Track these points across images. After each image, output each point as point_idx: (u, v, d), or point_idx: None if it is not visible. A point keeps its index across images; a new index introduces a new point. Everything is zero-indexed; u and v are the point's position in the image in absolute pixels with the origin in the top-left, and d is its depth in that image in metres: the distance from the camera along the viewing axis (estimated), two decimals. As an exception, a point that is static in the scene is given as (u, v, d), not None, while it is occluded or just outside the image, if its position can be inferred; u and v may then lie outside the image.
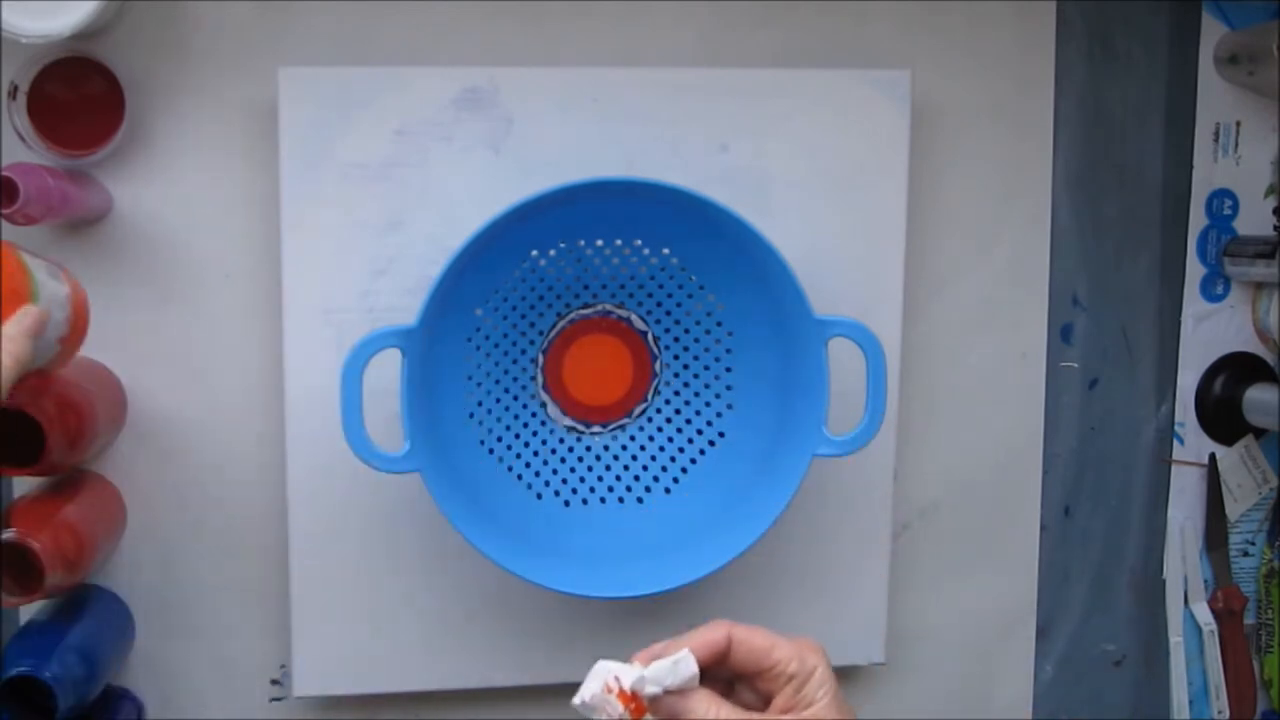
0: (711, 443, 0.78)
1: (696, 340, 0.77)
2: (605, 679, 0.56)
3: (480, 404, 0.75)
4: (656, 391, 0.78)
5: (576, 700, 0.56)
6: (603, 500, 0.78)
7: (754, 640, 0.58)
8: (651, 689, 0.56)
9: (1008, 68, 0.85)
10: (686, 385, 0.78)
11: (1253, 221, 0.91)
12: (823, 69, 0.81)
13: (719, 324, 0.77)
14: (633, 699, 0.56)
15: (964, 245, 0.86)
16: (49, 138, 0.72)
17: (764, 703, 0.59)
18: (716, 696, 0.58)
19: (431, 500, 0.68)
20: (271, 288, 0.76)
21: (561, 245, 0.74)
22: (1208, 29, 0.89)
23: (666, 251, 0.75)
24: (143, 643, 0.78)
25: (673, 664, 0.57)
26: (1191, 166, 0.90)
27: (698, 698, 0.57)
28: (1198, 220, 0.90)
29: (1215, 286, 0.91)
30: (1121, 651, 0.93)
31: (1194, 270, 0.91)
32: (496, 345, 0.75)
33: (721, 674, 0.59)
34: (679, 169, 0.76)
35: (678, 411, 0.78)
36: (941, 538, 0.88)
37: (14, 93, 0.71)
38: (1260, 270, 0.88)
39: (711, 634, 0.58)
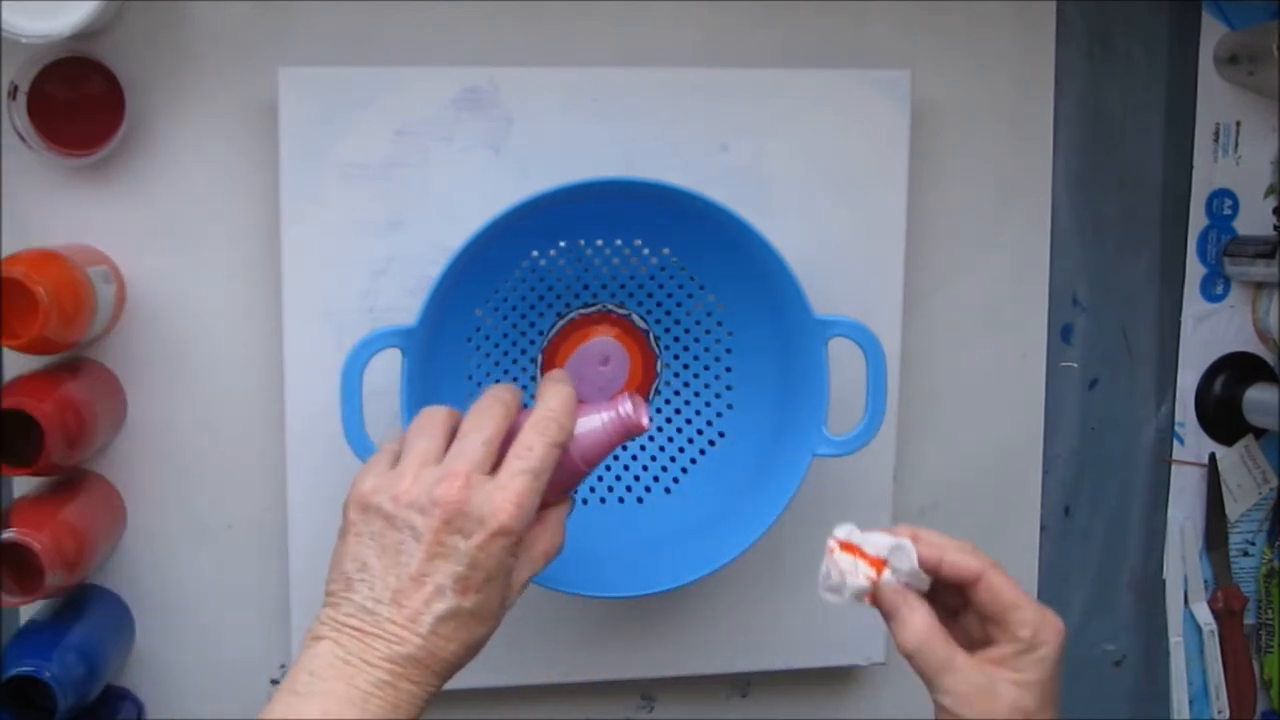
0: (711, 442, 0.78)
1: (696, 340, 0.77)
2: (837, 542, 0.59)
3: (480, 404, 0.75)
4: (657, 391, 0.78)
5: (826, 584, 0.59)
6: (603, 500, 0.77)
7: (1004, 592, 0.58)
8: (873, 551, 0.58)
9: (1008, 68, 0.85)
10: (686, 385, 0.78)
11: (1253, 221, 0.91)
12: (823, 69, 0.81)
13: (719, 324, 0.77)
14: (873, 562, 0.58)
15: (964, 245, 0.86)
16: (49, 138, 0.72)
17: (983, 636, 0.59)
18: (933, 619, 0.58)
19: (431, 500, 0.68)
20: (271, 287, 0.76)
21: (561, 245, 0.74)
22: (1208, 29, 0.89)
23: (666, 251, 0.75)
24: (143, 643, 0.78)
25: (893, 546, 0.58)
26: (1191, 166, 0.90)
27: (918, 614, 0.58)
28: (1198, 220, 0.90)
29: (1215, 286, 0.91)
30: (1121, 651, 0.93)
31: (1194, 270, 0.91)
32: (496, 345, 0.75)
33: (957, 600, 0.60)
34: (679, 169, 0.76)
35: (678, 411, 0.78)
36: (941, 538, 0.88)
37: (14, 93, 0.71)
38: (1260, 270, 0.88)
39: (969, 562, 0.58)
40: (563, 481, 0.62)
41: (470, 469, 0.56)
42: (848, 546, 0.59)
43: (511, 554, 0.56)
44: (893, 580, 0.58)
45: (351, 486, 0.58)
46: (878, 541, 0.58)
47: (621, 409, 0.63)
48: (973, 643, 0.58)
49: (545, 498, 0.60)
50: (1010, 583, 0.58)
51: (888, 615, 0.59)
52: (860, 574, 0.58)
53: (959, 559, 0.58)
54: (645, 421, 0.63)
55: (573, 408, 0.61)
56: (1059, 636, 0.58)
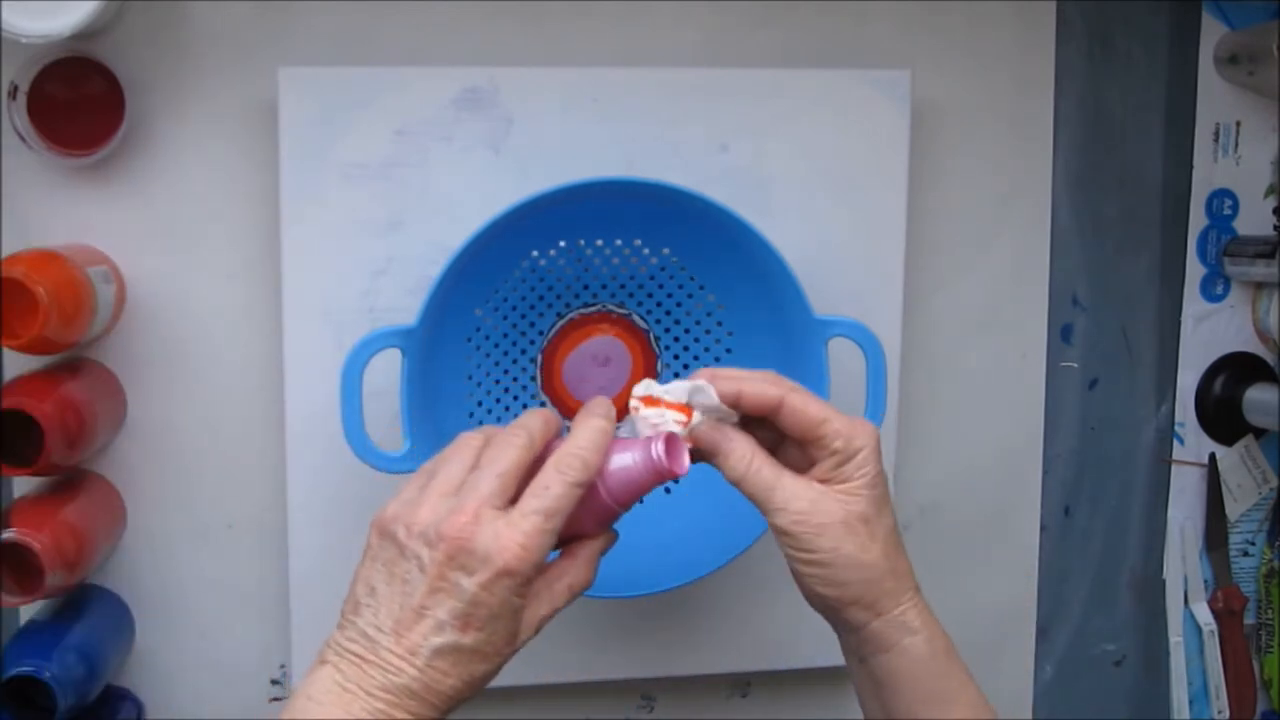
0: (711, 443, 0.78)
1: (696, 340, 0.77)
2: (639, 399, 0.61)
3: (480, 404, 0.75)
4: (656, 391, 0.78)
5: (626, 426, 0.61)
6: (603, 500, 0.77)
7: (807, 410, 0.59)
8: (674, 399, 0.60)
9: (1008, 68, 0.85)
10: (686, 385, 0.78)
11: (1253, 221, 0.91)
12: (823, 69, 0.81)
13: (719, 324, 0.77)
14: (679, 409, 0.60)
15: (964, 245, 0.86)
16: (49, 138, 0.72)
17: (806, 462, 0.60)
18: (755, 444, 0.60)
19: (431, 500, 0.68)
20: (271, 288, 0.76)
21: (561, 245, 0.74)
22: (1208, 29, 0.89)
23: (666, 251, 0.75)
24: (143, 643, 0.78)
25: (692, 389, 0.60)
26: (1191, 166, 0.90)
27: (738, 443, 0.60)
28: (1198, 220, 0.90)
29: (1215, 286, 0.91)
30: (1121, 651, 0.93)
31: (1194, 270, 0.91)
32: (496, 345, 0.75)
33: (772, 437, 0.61)
34: (679, 169, 0.76)
35: (678, 411, 0.78)
36: (941, 538, 0.88)
37: (14, 93, 0.71)
38: (1260, 270, 0.88)
39: (767, 390, 0.60)
40: (595, 517, 0.59)
41: (480, 504, 0.54)
42: (650, 401, 0.60)
43: (518, 594, 0.54)
44: (703, 421, 0.60)
45: (381, 507, 0.57)
46: (677, 389, 0.60)
47: (654, 450, 0.58)
48: (797, 472, 0.60)
49: (579, 531, 0.59)
50: (813, 400, 0.60)
51: (710, 453, 0.60)
52: (670, 421, 0.59)
53: (758, 388, 0.60)
54: (681, 468, 0.58)
55: (603, 444, 0.58)
56: (872, 438, 0.60)
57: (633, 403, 0.60)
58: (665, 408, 0.60)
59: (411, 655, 0.53)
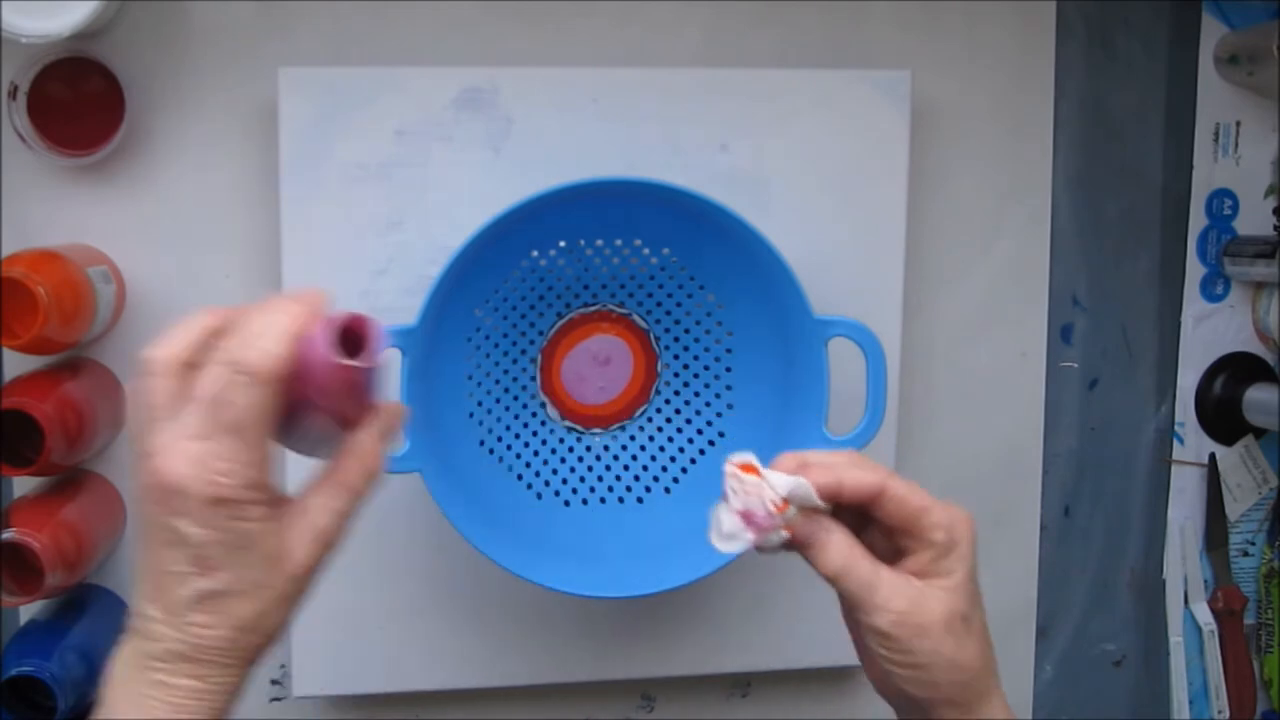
0: (711, 443, 0.78)
1: (696, 340, 0.77)
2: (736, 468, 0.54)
3: (480, 404, 0.75)
4: (657, 391, 0.78)
5: (727, 522, 0.55)
6: (603, 500, 0.77)
7: (910, 501, 0.54)
8: (770, 485, 0.54)
9: (1008, 68, 0.85)
10: (686, 385, 0.78)
11: (1253, 221, 0.91)
12: (823, 69, 0.81)
13: (719, 324, 0.77)
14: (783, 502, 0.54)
15: (964, 245, 0.86)
16: (49, 138, 0.72)
17: (893, 551, 0.56)
18: (853, 538, 0.54)
19: (431, 500, 0.68)
20: (271, 287, 0.76)
21: (561, 245, 0.74)
22: (1208, 29, 0.89)
23: (666, 251, 0.75)
24: (143, 643, 0.78)
25: (792, 486, 0.54)
26: (1191, 166, 0.90)
27: (836, 535, 0.54)
28: (1198, 220, 0.90)
29: (1215, 286, 0.91)
30: (1121, 651, 0.93)
31: (1194, 270, 0.91)
32: (496, 345, 0.75)
33: (856, 521, 0.56)
34: (679, 169, 0.76)
35: (678, 411, 0.78)
36: (941, 538, 0.87)
37: (14, 93, 0.71)
38: (1260, 270, 0.88)
39: (867, 478, 0.54)
40: (338, 401, 0.51)
41: (168, 439, 0.48)
42: (749, 468, 0.54)
43: (246, 519, 0.49)
44: (796, 515, 0.54)
45: None
46: (776, 482, 0.54)
47: (322, 338, 0.48)
48: (882, 559, 0.55)
49: (340, 417, 0.52)
50: (912, 488, 0.55)
51: (804, 545, 0.55)
52: (766, 499, 0.54)
53: (857, 477, 0.54)
54: (368, 361, 0.49)
55: (284, 326, 0.49)
56: (970, 528, 0.55)
57: (729, 468, 0.54)
58: (764, 482, 0.54)
59: (172, 616, 0.49)
